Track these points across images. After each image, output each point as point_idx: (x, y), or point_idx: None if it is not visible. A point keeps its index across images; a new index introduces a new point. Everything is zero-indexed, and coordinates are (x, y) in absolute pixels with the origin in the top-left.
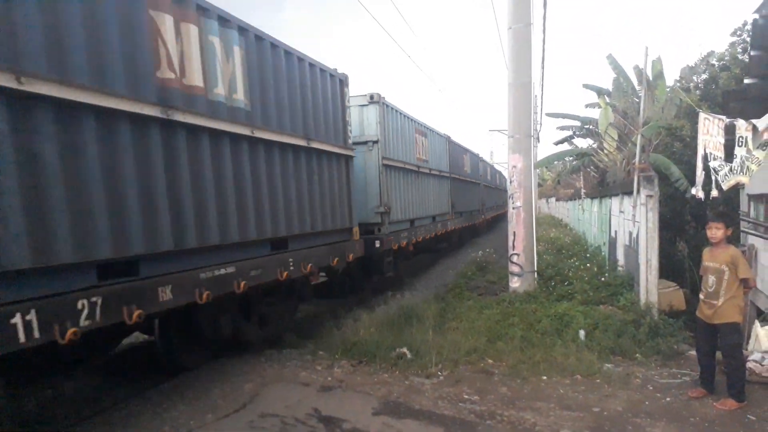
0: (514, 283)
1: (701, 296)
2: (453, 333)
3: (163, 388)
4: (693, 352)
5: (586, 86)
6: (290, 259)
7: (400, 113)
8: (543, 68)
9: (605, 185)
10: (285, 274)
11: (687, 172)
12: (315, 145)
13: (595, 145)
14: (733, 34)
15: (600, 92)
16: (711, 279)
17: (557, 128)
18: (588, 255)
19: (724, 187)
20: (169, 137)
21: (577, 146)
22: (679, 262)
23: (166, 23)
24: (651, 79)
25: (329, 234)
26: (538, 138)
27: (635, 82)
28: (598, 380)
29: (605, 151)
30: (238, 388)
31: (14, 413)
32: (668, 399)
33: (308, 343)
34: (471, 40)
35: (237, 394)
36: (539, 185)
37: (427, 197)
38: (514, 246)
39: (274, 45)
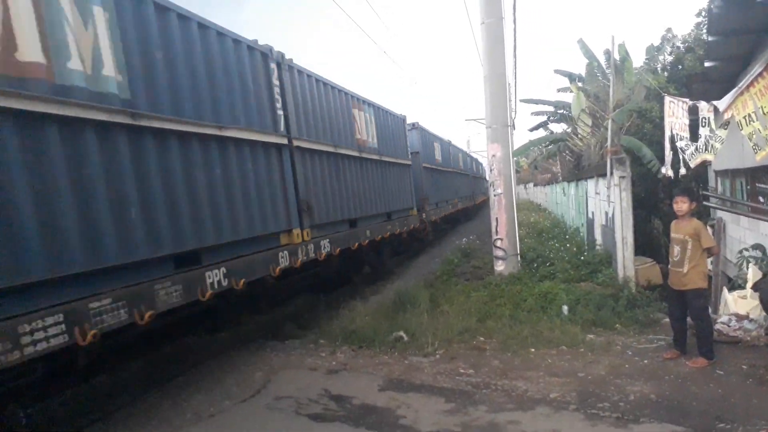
0: (499, 267)
1: (669, 266)
2: (445, 316)
3: (178, 381)
4: (667, 320)
5: (557, 71)
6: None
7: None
8: (515, 57)
9: (581, 169)
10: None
11: (658, 153)
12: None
13: (569, 130)
14: (698, 14)
15: (571, 77)
16: (676, 249)
17: (532, 114)
18: (567, 236)
19: (692, 165)
20: None
21: (552, 131)
22: (655, 239)
23: None
24: (619, 63)
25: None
26: (513, 125)
27: (606, 66)
28: (582, 349)
29: (579, 136)
30: (249, 377)
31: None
32: (646, 361)
33: (308, 333)
34: (445, 33)
35: (250, 381)
36: (516, 172)
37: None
38: (498, 231)
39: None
